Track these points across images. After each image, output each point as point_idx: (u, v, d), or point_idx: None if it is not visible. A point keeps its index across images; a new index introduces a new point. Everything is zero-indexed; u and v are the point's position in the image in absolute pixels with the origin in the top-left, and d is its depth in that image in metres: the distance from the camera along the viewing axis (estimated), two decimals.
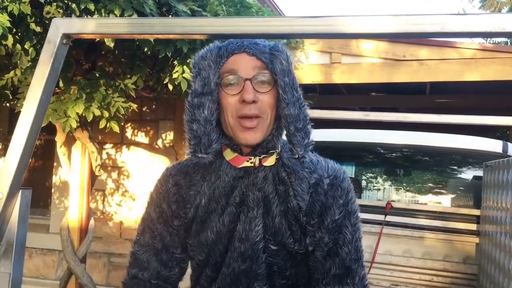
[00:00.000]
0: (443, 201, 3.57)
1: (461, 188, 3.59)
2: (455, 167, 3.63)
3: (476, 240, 2.96)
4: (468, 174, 3.56)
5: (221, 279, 1.02)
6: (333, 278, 0.98)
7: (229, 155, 1.04)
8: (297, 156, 0.98)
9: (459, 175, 3.66)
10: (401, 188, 3.79)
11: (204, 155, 0.97)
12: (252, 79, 0.97)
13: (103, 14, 2.22)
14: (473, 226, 2.98)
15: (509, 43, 10.25)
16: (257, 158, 1.02)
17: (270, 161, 1.03)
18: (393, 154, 3.68)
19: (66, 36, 0.99)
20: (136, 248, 1.10)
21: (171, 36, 1.12)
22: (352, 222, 1.01)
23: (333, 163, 1.07)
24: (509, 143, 3.10)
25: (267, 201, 1.01)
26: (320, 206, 1.00)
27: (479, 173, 3.11)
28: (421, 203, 3.54)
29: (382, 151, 3.64)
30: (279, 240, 1.00)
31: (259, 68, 0.98)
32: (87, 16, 2.24)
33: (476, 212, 2.99)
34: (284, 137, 1.04)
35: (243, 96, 0.96)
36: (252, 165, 1.02)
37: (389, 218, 3.05)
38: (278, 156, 1.03)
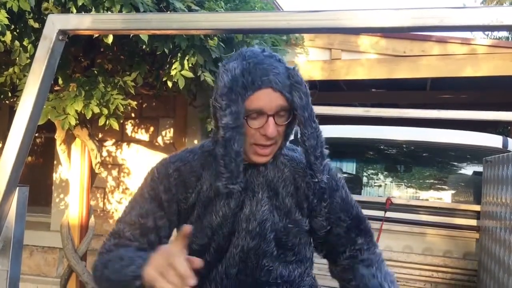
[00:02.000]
0: (444, 197, 3.56)
1: (461, 183, 3.58)
2: (456, 163, 3.62)
3: (476, 235, 2.96)
4: (468, 169, 3.56)
5: (230, 258, 1.07)
6: (361, 244, 1.14)
7: None
8: (316, 180, 1.07)
9: (460, 171, 3.66)
10: (401, 184, 3.79)
11: (235, 186, 1.03)
12: (275, 115, 1.03)
13: (101, 12, 2.21)
14: (473, 222, 2.98)
15: (510, 38, 10.22)
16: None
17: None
18: (394, 150, 3.68)
19: (62, 32, 0.98)
20: (121, 226, 1.09)
21: (168, 32, 1.11)
22: (350, 197, 1.19)
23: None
24: (509, 139, 3.09)
25: (273, 185, 1.10)
26: (328, 188, 1.13)
27: (479, 168, 3.10)
28: (422, 199, 3.53)
29: (382, 147, 3.64)
30: (293, 219, 1.10)
31: (281, 103, 1.03)
32: (84, 13, 2.23)
33: (476, 207, 2.98)
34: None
35: (266, 131, 1.02)
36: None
37: (390, 214, 3.04)
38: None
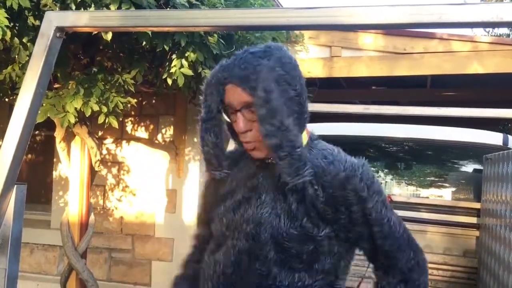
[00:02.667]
0: (444, 195, 3.56)
1: (461, 181, 3.58)
2: (456, 160, 3.62)
3: (476, 233, 2.96)
4: (468, 167, 3.55)
5: (226, 258, 1.08)
6: (381, 266, 1.12)
7: None
8: (286, 182, 1.02)
9: (460, 168, 3.66)
10: (401, 182, 3.78)
11: (216, 172, 1.12)
12: (241, 110, 1.05)
13: (100, 8, 2.20)
14: (473, 219, 2.97)
15: (511, 35, 10.19)
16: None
17: None
18: (394, 148, 3.67)
19: (59, 29, 0.98)
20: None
21: (166, 29, 1.11)
22: (384, 214, 1.07)
23: (352, 158, 1.10)
24: (509, 136, 3.08)
25: (283, 189, 1.06)
26: (342, 198, 1.04)
27: (480, 166, 3.10)
28: (422, 197, 3.53)
29: (382, 145, 3.63)
30: (298, 225, 1.05)
31: (244, 100, 1.03)
32: (83, 9, 2.22)
33: (476, 205, 2.98)
34: (305, 134, 1.10)
35: (235, 126, 1.06)
36: (269, 159, 1.09)
37: None
38: None
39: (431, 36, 4.04)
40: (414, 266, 1.12)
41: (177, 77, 2.63)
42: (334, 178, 1.04)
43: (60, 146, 3.20)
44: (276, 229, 1.05)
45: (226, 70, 1.07)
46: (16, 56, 2.54)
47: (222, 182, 1.17)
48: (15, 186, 0.99)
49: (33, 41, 2.47)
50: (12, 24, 2.33)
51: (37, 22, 2.41)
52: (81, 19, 0.98)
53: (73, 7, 2.19)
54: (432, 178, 3.70)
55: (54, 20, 0.97)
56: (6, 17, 2.18)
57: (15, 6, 2.15)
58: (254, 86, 1.01)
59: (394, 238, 1.09)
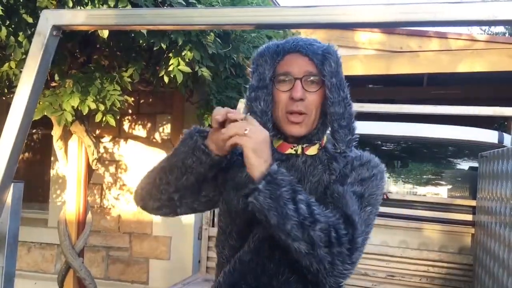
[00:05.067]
0: (439, 192, 3.58)
1: (457, 179, 3.60)
2: (451, 158, 3.64)
3: (472, 230, 2.98)
4: (464, 165, 3.57)
5: (246, 245, 1.08)
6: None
7: (276, 142, 1.13)
8: (339, 150, 1.09)
9: (455, 166, 3.68)
10: (398, 180, 3.80)
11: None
12: (302, 78, 1.06)
13: (97, 6, 2.20)
14: (469, 217, 2.99)
15: (507, 33, 10.23)
16: (300, 146, 1.11)
17: (312, 150, 1.12)
18: (390, 146, 3.69)
19: (56, 27, 0.98)
20: None
21: (162, 28, 1.11)
22: (362, 192, 1.04)
23: (371, 154, 1.14)
24: (505, 134, 3.10)
25: (302, 180, 1.08)
26: (341, 176, 1.08)
27: (475, 163, 3.12)
28: (418, 194, 3.55)
29: (378, 143, 3.64)
30: None
31: (310, 69, 1.07)
32: (80, 7, 2.22)
33: (472, 202, 3.00)
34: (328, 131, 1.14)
35: (292, 94, 1.06)
36: (295, 152, 1.11)
37: (386, 209, 3.05)
38: (320, 147, 1.12)
39: (427, 35, 4.06)
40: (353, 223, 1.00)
41: (174, 75, 2.62)
42: (348, 164, 1.09)
43: (57, 144, 3.19)
44: None
45: (287, 44, 1.10)
46: (12, 54, 2.53)
47: (235, 167, 1.13)
48: (12, 184, 0.99)
49: (28, 38, 2.47)
50: (8, 22, 2.33)
51: (31, 20, 2.40)
52: (77, 18, 0.98)
53: (70, 4, 2.18)
54: (428, 176, 3.72)
55: (50, 18, 0.97)
56: (1, 14, 2.17)
57: (11, 0, 2.14)
58: (322, 60, 1.07)
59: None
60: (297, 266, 1.02)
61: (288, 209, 0.92)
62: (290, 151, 1.11)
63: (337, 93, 1.07)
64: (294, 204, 0.93)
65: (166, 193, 1.09)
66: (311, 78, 1.07)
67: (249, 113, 1.09)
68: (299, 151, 1.11)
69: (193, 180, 1.07)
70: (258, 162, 0.95)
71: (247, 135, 0.94)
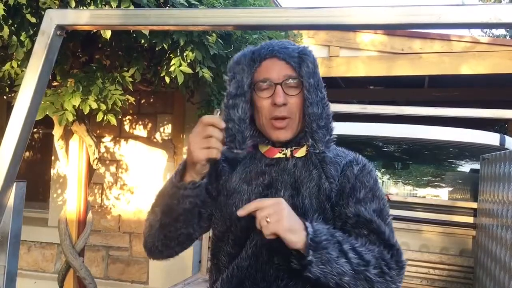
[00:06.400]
0: (440, 194, 3.58)
1: (458, 181, 3.60)
2: (453, 160, 3.63)
3: (473, 232, 2.98)
4: (465, 167, 3.57)
5: (244, 251, 1.08)
6: (361, 237, 1.04)
7: (263, 148, 1.14)
8: (317, 151, 1.09)
9: (457, 168, 3.67)
10: (398, 181, 3.80)
11: (239, 150, 1.08)
12: (282, 83, 1.07)
13: (100, 6, 2.20)
14: (470, 219, 2.99)
15: (508, 36, 10.22)
16: (289, 149, 1.12)
17: (300, 152, 1.13)
18: (391, 147, 3.68)
19: (60, 27, 0.98)
20: None
21: (166, 28, 1.11)
22: (379, 204, 1.09)
23: (356, 154, 1.17)
24: (506, 136, 3.10)
25: (297, 184, 1.09)
26: (349, 188, 1.08)
27: (477, 166, 3.11)
28: (419, 196, 3.55)
29: (379, 144, 3.64)
30: (309, 221, 1.06)
31: (288, 73, 1.08)
32: (82, 7, 2.22)
33: (473, 205, 2.99)
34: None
35: (274, 100, 1.06)
36: (284, 156, 1.12)
37: None
38: (308, 148, 1.12)
39: (428, 36, 4.05)
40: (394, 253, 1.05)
41: (176, 76, 2.62)
42: (348, 169, 1.10)
43: (58, 144, 3.19)
44: None
45: (262, 50, 1.10)
46: (14, 53, 2.53)
47: (224, 174, 1.14)
48: (15, 183, 1.00)
49: (31, 38, 2.47)
50: (10, 21, 2.33)
51: (34, 20, 2.40)
52: (81, 18, 0.98)
53: (73, 4, 2.18)
54: (429, 178, 3.72)
55: (54, 18, 0.97)
56: (3, 14, 2.17)
57: (11, 2, 2.14)
58: (299, 62, 1.08)
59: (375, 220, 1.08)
60: (296, 271, 1.02)
61: (341, 266, 0.95)
62: (279, 155, 1.12)
63: (315, 94, 1.08)
64: (344, 257, 0.96)
65: (176, 240, 1.10)
66: (290, 81, 1.07)
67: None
68: (288, 154, 1.12)
69: (195, 218, 1.08)
70: (297, 238, 0.95)
71: (272, 222, 0.94)
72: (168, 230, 1.07)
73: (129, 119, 4.46)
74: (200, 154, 0.97)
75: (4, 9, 2.17)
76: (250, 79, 1.09)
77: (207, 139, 0.97)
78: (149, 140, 4.39)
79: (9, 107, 4.71)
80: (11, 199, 0.99)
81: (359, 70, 4.24)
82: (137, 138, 4.43)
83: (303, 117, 1.09)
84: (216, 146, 0.98)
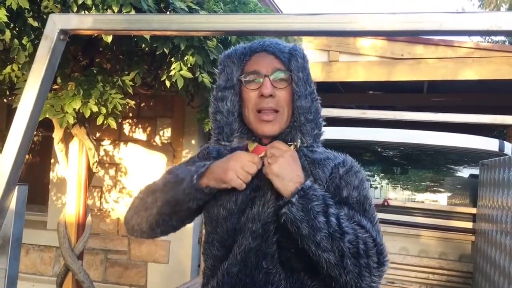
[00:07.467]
0: (440, 199, 3.58)
1: (457, 186, 3.60)
2: (452, 166, 3.64)
3: (472, 238, 2.98)
4: (464, 172, 3.58)
5: (233, 256, 1.07)
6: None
7: (251, 146, 1.13)
8: (306, 144, 1.08)
9: (456, 174, 3.68)
10: (397, 186, 3.80)
11: (227, 142, 1.10)
12: (270, 75, 1.07)
13: (101, 11, 2.21)
14: (469, 224, 2.99)
15: (507, 42, 10.26)
16: None
17: None
18: (390, 152, 3.69)
19: (63, 32, 0.98)
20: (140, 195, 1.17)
21: (168, 33, 1.11)
22: (365, 206, 1.07)
23: (346, 155, 1.16)
24: (505, 142, 3.11)
25: None
26: (334, 188, 1.08)
27: (476, 171, 3.12)
28: (418, 201, 3.55)
29: (379, 149, 3.65)
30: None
31: (277, 66, 1.08)
32: (84, 12, 2.23)
33: (472, 210, 3.00)
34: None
35: (261, 91, 1.06)
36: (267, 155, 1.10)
37: (386, 216, 3.06)
38: (296, 149, 1.09)
39: (428, 42, 4.07)
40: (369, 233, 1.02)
41: (176, 80, 2.63)
42: (334, 170, 1.10)
43: (58, 147, 3.19)
44: (281, 227, 1.04)
45: (253, 45, 1.12)
46: (15, 57, 2.54)
47: None
48: (17, 186, 1.00)
49: (32, 42, 2.48)
50: (12, 25, 2.34)
51: (36, 24, 2.41)
52: (85, 22, 0.99)
53: (75, 9, 2.19)
54: (428, 183, 3.72)
55: (58, 22, 0.98)
56: (6, 15, 2.18)
57: (14, 6, 2.15)
58: (289, 57, 1.09)
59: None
60: (286, 275, 1.03)
61: (319, 221, 0.96)
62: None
63: (304, 87, 1.08)
64: (324, 217, 0.96)
65: (163, 226, 1.13)
66: (279, 74, 1.08)
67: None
68: None
69: (192, 215, 1.15)
70: (282, 186, 0.99)
71: (269, 163, 1.01)
72: (162, 218, 1.10)
73: (128, 122, 4.46)
74: (235, 180, 1.02)
75: (6, 15, 2.18)
76: (240, 72, 1.10)
77: (246, 173, 1.02)
78: (148, 144, 4.40)
79: (9, 110, 4.72)
80: (12, 202, 0.99)
81: (359, 75, 4.25)
82: (136, 141, 4.43)
83: (292, 113, 1.09)
84: (247, 182, 1.03)
